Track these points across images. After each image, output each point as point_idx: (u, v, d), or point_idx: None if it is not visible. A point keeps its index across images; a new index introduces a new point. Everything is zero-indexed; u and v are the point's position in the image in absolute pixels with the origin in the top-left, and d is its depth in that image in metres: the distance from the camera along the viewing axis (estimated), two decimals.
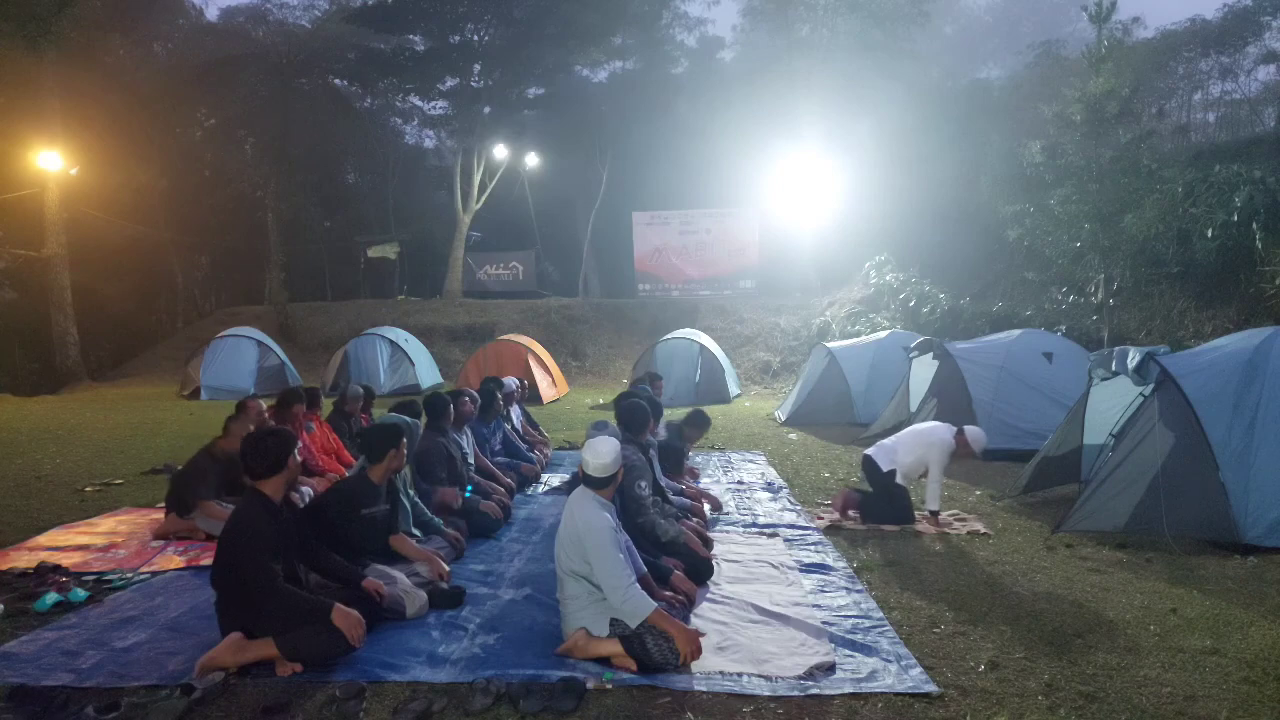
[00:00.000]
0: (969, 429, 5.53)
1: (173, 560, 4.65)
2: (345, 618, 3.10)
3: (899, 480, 5.52)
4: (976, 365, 8.09)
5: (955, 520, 5.62)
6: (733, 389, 14.86)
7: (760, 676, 3.06)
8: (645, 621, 3.09)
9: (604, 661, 3.13)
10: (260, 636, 3.08)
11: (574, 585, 3.29)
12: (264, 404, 5.80)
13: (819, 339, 16.28)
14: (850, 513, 5.62)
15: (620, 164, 26.38)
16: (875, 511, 5.57)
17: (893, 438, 5.76)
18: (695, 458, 8.08)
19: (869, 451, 5.72)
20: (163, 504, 5.72)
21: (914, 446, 5.55)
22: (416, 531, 4.43)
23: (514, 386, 7.86)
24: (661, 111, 25.72)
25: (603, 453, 3.35)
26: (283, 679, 3.01)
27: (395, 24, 24.34)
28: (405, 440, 4.02)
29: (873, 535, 5.30)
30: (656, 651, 3.06)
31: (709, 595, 4.00)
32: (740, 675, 3.07)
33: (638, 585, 3.20)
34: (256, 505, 3.21)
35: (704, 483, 6.81)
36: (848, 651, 3.30)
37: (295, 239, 25.46)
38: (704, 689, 2.96)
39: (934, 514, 5.45)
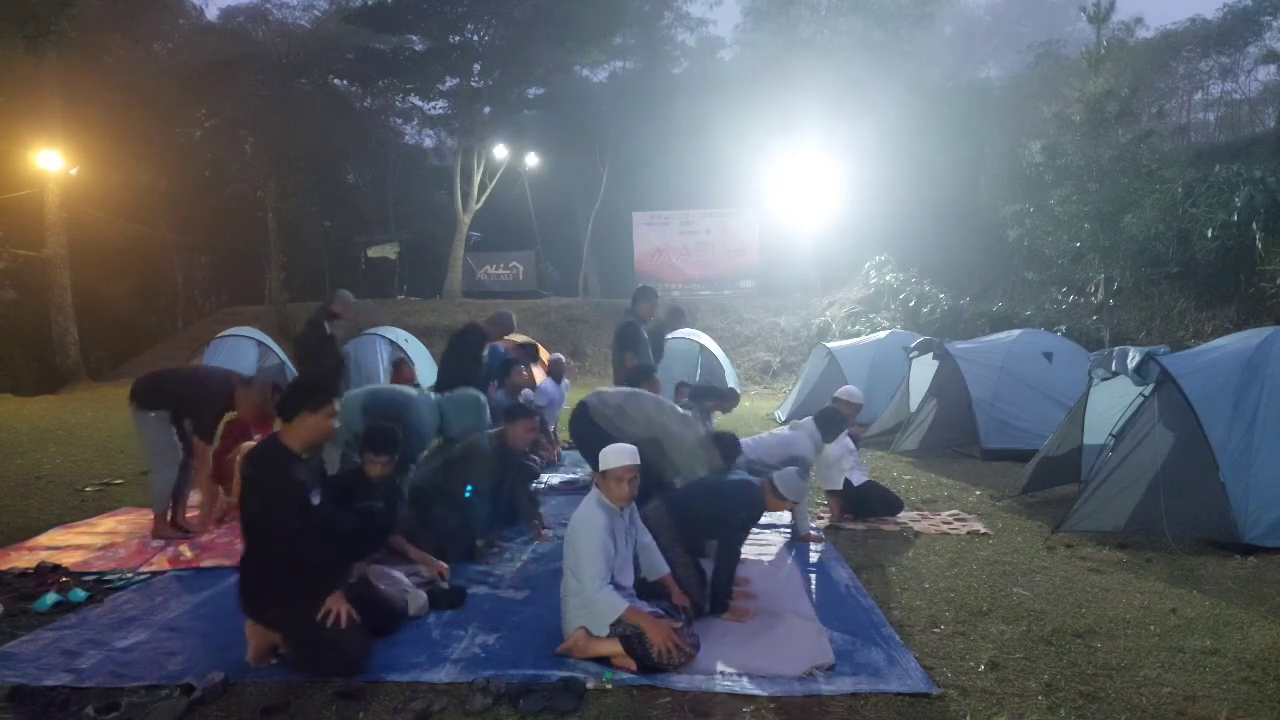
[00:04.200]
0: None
1: (173, 560, 4.65)
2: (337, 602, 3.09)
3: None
4: (976, 365, 8.10)
5: (955, 520, 5.63)
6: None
7: (760, 676, 3.05)
8: (624, 619, 3.10)
9: (604, 661, 3.13)
10: (273, 619, 3.09)
11: (575, 583, 3.30)
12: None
13: (819, 339, 16.27)
14: (846, 514, 5.64)
15: (620, 164, 26.35)
16: (865, 508, 5.62)
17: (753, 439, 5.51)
18: None
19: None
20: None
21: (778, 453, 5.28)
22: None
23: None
24: (661, 111, 25.68)
25: (612, 457, 3.38)
26: (283, 679, 3.01)
27: (395, 24, 24.32)
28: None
29: (873, 535, 5.31)
30: (656, 651, 3.06)
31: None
32: (740, 675, 3.07)
33: (610, 586, 3.20)
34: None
35: None
36: (848, 651, 3.30)
37: (295, 239, 25.42)
38: (704, 689, 2.96)
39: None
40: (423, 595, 3.71)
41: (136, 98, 21.09)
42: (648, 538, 3.62)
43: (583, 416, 4.62)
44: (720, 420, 10.77)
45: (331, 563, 3.22)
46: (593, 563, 3.19)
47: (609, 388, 5.33)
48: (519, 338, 12.37)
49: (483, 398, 5.05)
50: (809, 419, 5.37)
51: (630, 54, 28.37)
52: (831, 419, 5.31)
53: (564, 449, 8.81)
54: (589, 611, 3.21)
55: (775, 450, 5.23)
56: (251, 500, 3.20)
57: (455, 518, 4.51)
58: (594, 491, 3.43)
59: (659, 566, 3.62)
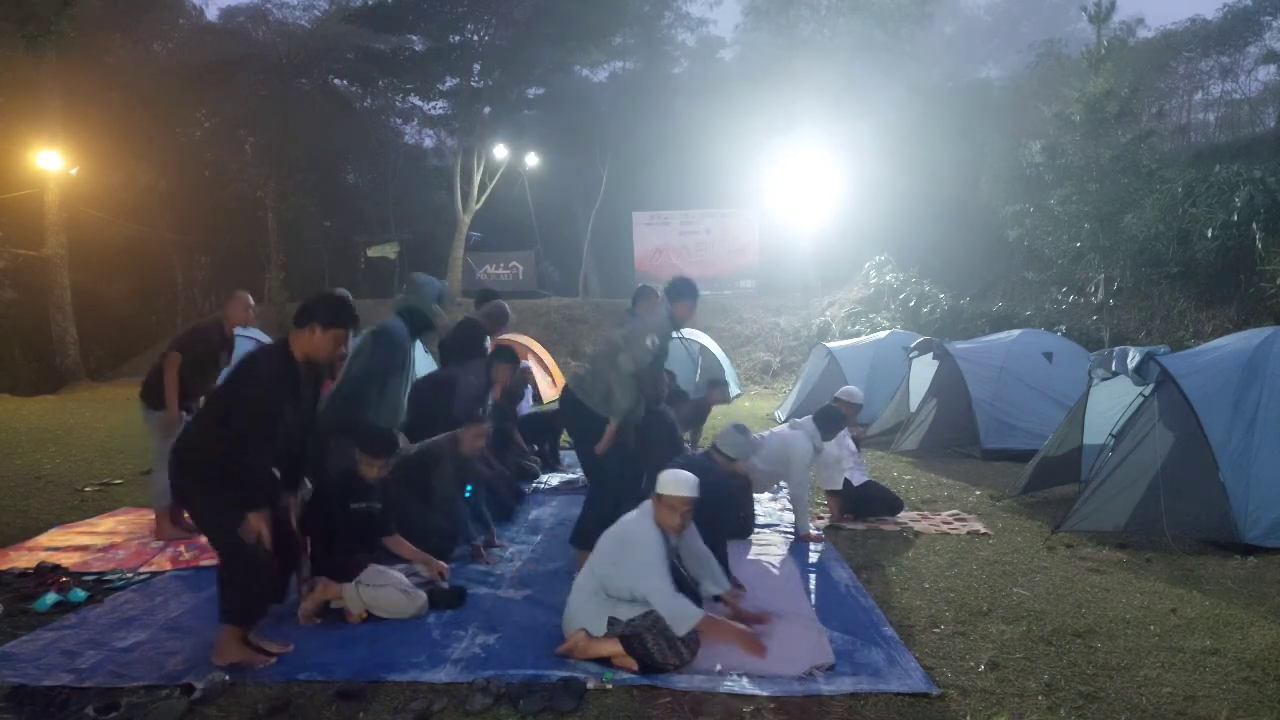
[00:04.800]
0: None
1: (173, 560, 4.65)
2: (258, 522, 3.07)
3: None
4: (976, 365, 8.10)
5: (955, 520, 5.63)
6: (733, 389, 14.84)
7: (760, 676, 3.05)
8: (699, 628, 3.08)
9: (604, 662, 3.13)
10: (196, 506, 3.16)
11: (587, 581, 3.28)
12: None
13: (819, 339, 16.27)
14: (846, 514, 5.64)
15: (620, 164, 26.35)
16: (865, 508, 5.62)
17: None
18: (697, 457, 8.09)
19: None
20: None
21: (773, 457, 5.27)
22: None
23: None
24: (661, 111, 25.67)
25: (671, 485, 3.31)
26: (283, 679, 3.01)
27: (395, 24, 24.31)
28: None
29: (873, 535, 5.31)
30: (657, 651, 3.06)
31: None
32: (740, 675, 3.07)
33: (683, 596, 3.16)
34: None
35: None
36: (848, 651, 3.30)
37: (295, 239, 25.41)
38: (704, 689, 2.96)
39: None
40: (422, 595, 3.71)
41: (136, 98, 21.07)
42: (704, 550, 3.56)
43: (568, 397, 4.65)
44: (717, 421, 10.79)
45: (259, 477, 3.14)
46: (659, 576, 3.14)
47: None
48: (520, 337, 12.37)
49: (424, 277, 5.00)
50: (808, 418, 5.38)
51: (630, 54, 28.36)
52: (831, 418, 5.32)
53: (563, 448, 8.80)
54: (594, 608, 3.21)
55: (774, 450, 5.23)
56: (232, 381, 3.19)
57: (429, 521, 4.46)
58: (648, 507, 3.33)
59: (720, 580, 3.56)
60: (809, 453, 5.18)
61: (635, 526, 3.31)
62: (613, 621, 3.16)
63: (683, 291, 4.51)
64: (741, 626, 3.16)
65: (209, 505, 3.14)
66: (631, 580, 3.20)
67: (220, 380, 5.41)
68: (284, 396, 3.13)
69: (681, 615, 3.10)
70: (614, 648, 3.12)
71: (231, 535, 3.07)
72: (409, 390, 4.86)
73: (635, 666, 3.07)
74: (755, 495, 5.73)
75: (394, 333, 4.42)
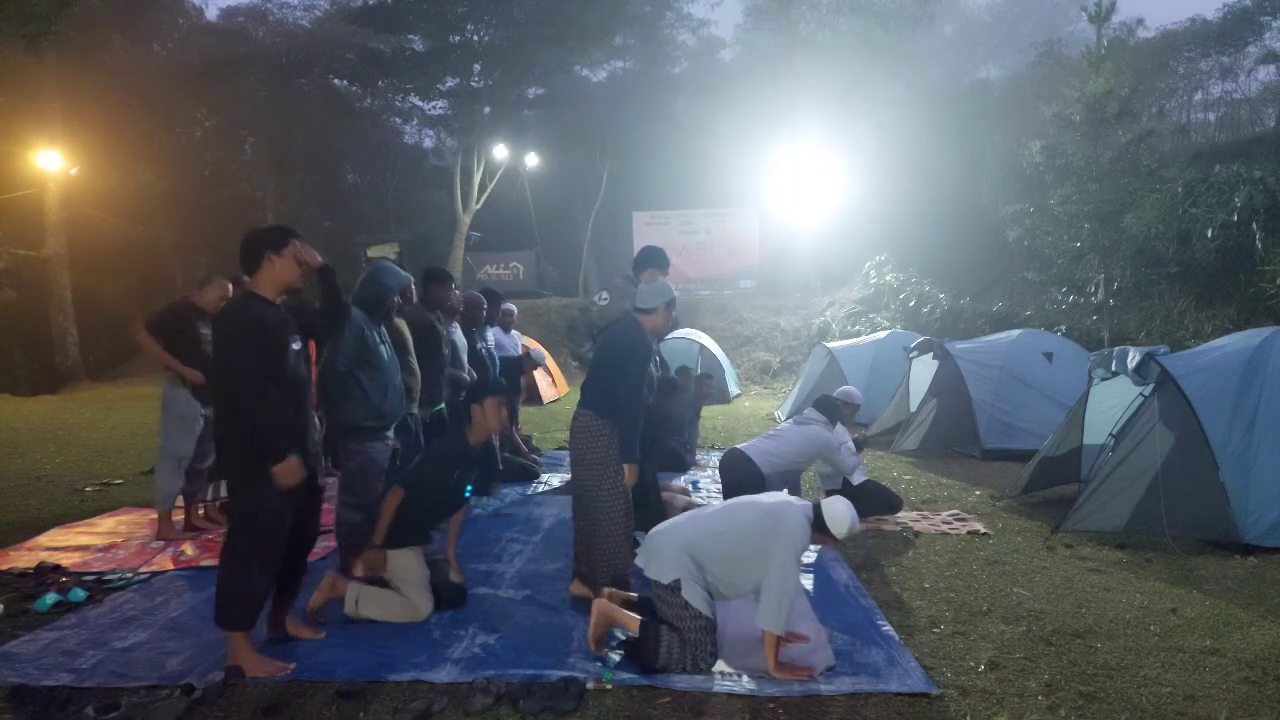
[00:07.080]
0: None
1: (173, 560, 4.65)
2: (289, 472, 3.01)
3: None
4: (976, 365, 8.10)
5: (955, 520, 5.63)
6: (733, 389, 14.84)
7: (760, 676, 3.06)
8: (772, 638, 3.05)
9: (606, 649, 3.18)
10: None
11: (690, 535, 3.20)
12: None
13: (819, 339, 16.25)
14: None
15: (620, 164, 26.36)
16: (864, 507, 5.61)
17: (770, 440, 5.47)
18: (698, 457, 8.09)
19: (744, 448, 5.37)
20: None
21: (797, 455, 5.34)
22: None
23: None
24: (661, 111, 25.68)
25: (845, 521, 3.21)
26: (283, 679, 3.01)
27: (395, 24, 24.32)
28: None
29: (872, 535, 5.31)
30: (664, 651, 3.06)
31: None
32: (740, 675, 3.08)
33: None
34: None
35: (702, 480, 6.83)
36: (848, 651, 3.30)
37: None
38: (704, 689, 2.96)
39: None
40: (427, 604, 3.69)
41: (136, 98, 21.09)
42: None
43: None
44: (718, 421, 10.82)
45: (286, 422, 3.06)
46: (796, 577, 3.13)
47: None
48: (520, 338, 12.36)
49: (385, 264, 4.83)
50: (811, 409, 5.43)
51: (630, 54, 28.38)
52: (828, 403, 5.49)
53: (558, 449, 8.79)
54: (671, 561, 3.14)
55: (804, 447, 5.24)
56: (220, 354, 3.10)
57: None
58: (808, 526, 3.21)
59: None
60: (832, 438, 5.33)
61: (800, 534, 3.17)
62: (674, 586, 3.09)
63: (644, 260, 4.61)
64: (791, 666, 3.09)
65: (240, 484, 3.10)
66: (769, 574, 3.07)
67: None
68: (271, 337, 3.04)
69: (777, 619, 3.03)
70: (633, 625, 3.15)
71: (253, 521, 3.03)
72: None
73: (636, 630, 3.11)
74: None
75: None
